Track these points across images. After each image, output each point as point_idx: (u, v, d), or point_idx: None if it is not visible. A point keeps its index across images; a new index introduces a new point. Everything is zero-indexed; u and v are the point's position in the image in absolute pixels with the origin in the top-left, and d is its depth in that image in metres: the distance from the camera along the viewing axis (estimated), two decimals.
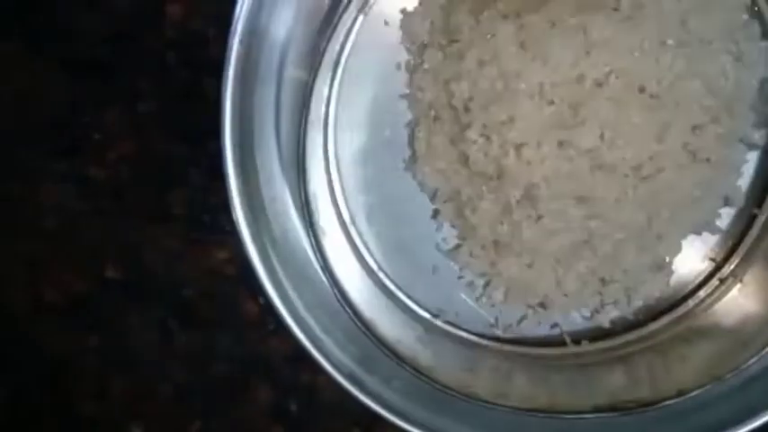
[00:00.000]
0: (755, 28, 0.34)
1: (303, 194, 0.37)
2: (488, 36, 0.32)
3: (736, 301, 0.39)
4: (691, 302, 0.40)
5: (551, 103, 0.32)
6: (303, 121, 0.36)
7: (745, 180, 0.38)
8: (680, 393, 0.35)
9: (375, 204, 0.40)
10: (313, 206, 0.38)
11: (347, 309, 0.38)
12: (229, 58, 0.34)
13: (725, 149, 0.33)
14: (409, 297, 0.40)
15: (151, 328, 0.44)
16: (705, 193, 0.34)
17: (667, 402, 0.36)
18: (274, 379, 0.44)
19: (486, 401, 0.35)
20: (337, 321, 0.39)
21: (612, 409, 0.35)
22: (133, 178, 0.43)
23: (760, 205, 0.38)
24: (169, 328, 0.44)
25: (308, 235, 0.37)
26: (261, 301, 0.43)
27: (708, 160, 0.33)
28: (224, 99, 0.34)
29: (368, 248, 0.40)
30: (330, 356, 0.37)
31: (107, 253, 0.44)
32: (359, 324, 0.38)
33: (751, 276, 0.39)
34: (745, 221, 0.39)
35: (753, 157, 0.38)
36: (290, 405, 0.44)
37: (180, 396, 0.45)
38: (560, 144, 0.32)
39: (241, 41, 0.34)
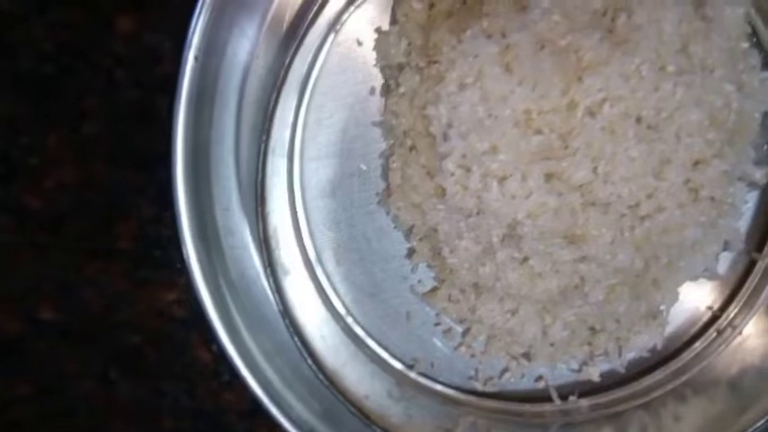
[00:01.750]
0: (756, 58, 0.32)
1: (262, 228, 0.34)
2: (471, 57, 0.30)
3: (736, 356, 0.36)
4: (686, 356, 0.37)
5: (539, 132, 0.29)
6: (263, 147, 0.33)
7: (744, 222, 0.36)
8: None
9: (344, 242, 0.37)
10: (273, 242, 0.35)
11: (308, 358, 0.34)
12: (183, 76, 0.31)
13: (729, 187, 0.31)
14: (380, 345, 0.37)
15: (90, 376, 0.40)
16: (706, 235, 0.31)
17: None
18: None
19: None
20: (299, 373, 0.35)
21: None
22: (74, 208, 0.39)
23: (760, 249, 0.36)
24: (110, 376, 0.40)
25: (267, 274, 0.34)
26: (214, 348, 0.39)
27: (711, 199, 0.30)
28: (175, 120, 0.31)
29: (335, 290, 0.37)
30: (290, 412, 0.34)
31: (42, 291, 0.40)
32: (320, 376, 0.34)
33: (751, 328, 0.36)
34: (744, 267, 0.37)
35: (752, 198, 0.36)
36: None
37: None
38: (548, 177, 0.29)
39: (197, 57, 0.31)
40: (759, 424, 0.33)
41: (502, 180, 0.29)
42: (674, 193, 0.29)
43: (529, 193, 0.29)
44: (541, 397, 0.37)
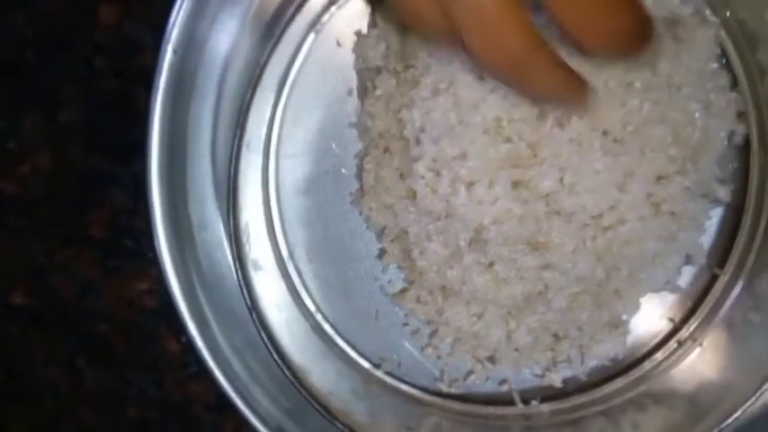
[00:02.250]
0: (725, 78, 0.33)
1: (233, 222, 0.34)
2: (445, 63, 0.30)
3: (695, 367, 0.37)
4: (647, 365, 0.38)
5: (508, 140, 0.30)
6: (237, 141, 0.33)
7: (707, 238, 0.36)
8: None
9: (316, 240, 0.37)
10: (244, 237, 0.35)
11: (275, 354, 0.34)
12: (161, 68, 0.31)
13: (689, 203, 0.31)
14: (348, 343, 0.37)
15: (58, 363, 0.40)
16: (667, 248, 0.32)
17: None
18: (194, 429, 0.40)
19: None
20: (267, 368, 0.35)
21: None
22: (48, 194, 0.39)
23: (722, 265, 0.37)
24: (77, 364, 0.40)
25: (236, 268, 0.34)
26: (183, 340, 0.39)
27: (672, 213, 0.31)
28: (152, 111, 0.31)
29: (306, 288, 0.37)
30: (256, 407, 0.34)
31: (13, 276, 0.40)
32: (287, 372, 0.34)
33: (711, 340, 0.37)
34: (705, 281, 0.37)
35: (716, 215, 0.37)
36: None
37: None
38: (515, 185, 0.30)
39: (175, 51, 0.31)
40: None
41: (470, 185, 0.30)
42: (636, 206, 0.30)
43: (495, 199, 0.30)
44: (505, 400, 0.37)
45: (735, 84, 0.34)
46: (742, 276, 0.36)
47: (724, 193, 0.35)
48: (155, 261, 0.33)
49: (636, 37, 0.27)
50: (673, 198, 0.30)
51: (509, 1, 0.24)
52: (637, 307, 0.35)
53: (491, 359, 0.37)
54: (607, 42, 0.26)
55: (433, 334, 0.37)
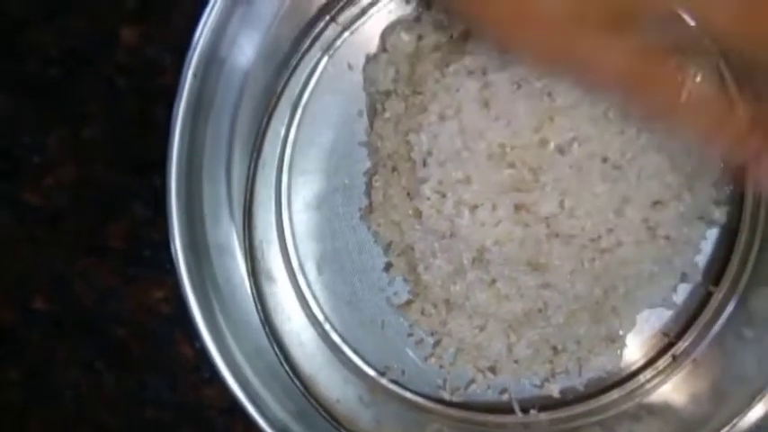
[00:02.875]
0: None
1: (248, 236, 0.35)
2: (452, 91, 0.31)
3: (688, 381, 0.38)
4: (642, 378, 0.39)
5: (511, 165, 0.31)
6: (253, 161, 0.34)
7: (702, 257, 0.38)
8: None
9: (326, 253, 0.39)
10: (259, 252, 0.36)
11: (284, 363, 0.36)
12: (182, 90, 0.32)
13: (684, 227, 0.33)
14: (355, 352, 0.39)
15: (77, 366, 0.42)
16: (662, 269, 0.33)
17: None
18: (206, 430, 0.41)
19: None
20: (277, 375, 0.37)
21: None
22: (71, 206, 0.41)
23: (717, 283, 0.38)
24: (96, 367, 0.42)
25: (250, 282, 0.35)
26: (197, 345, 0.41)
27: (667, 238, 0.32)
28: (173, 130, 0.33)
29: (315, 298, 0.39)
30: (266, 411, 0.35)
31: (37, 283, 0.41)
32: (294, 378, 0.36)
33: (704, 355, 0.38)
34: (700, 298, 0.38)
35: (711, 234, 0.38)
36: None
37: None
38: (517, 208, 0.31)
39: (195, 74, 0.33)
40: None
41: (473, 208, 0.31)
42: (633, 230, 0.31)
43: (498, 222, 0.31)
44: (504, 409, 0.39)
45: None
46: (736, 294, 0.37)
47: (720, 214, 0.36)
48: (171, 271, 0.35)
49: None
50: (668, 222, 0.32)
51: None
52: (633, 323, 0.37)
53: (492, 369, 0.38)
54: None
55: (436, 344, 0.38)
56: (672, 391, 0.38)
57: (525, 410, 0.38)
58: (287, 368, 0.36)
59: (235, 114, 0.35)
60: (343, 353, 0.39)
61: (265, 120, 0.35)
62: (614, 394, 0.39)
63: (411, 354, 0.39)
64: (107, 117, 0.40)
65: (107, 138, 0.40)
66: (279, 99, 0.35)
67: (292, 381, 0.36)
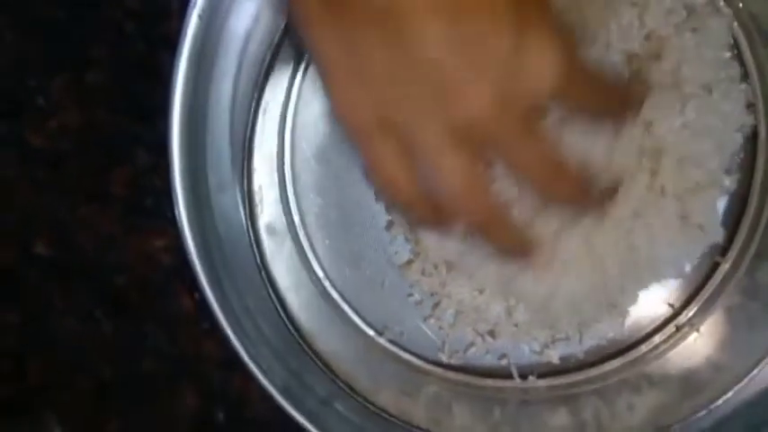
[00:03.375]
0: (735, 69, 0.33)
1: (247, 184, 0.35)
2: None
3: (690, 352, 0.38)
4: (644, 347, 0.38)
5: None
6: (254, 104, 0.34)
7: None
8: None
9: (328, 207, 0.38)
10: (257, 198, 0.36)
11: (282, 315, 0.35)
12: (185, 32, 0.32)
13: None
14: (354, 310, 0.38)
15: (76, 312, 0.42)
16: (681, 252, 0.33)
17: None
18: (204, 384, 0.41)
19: (423, 430, 0.33)
20: (276, 329, 0.37)
21: None
22: (74, 151, 0.40)
23: (724, 253, 0.37)
24: (95, 315, 0.42)
25: (249, 229, 0.35)
26: (196, 297, 0.41)
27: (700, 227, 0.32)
28: (176, 73, 0.32)
29: (315, 254, 0.38)
30: (264, 366, 0.35)
31: (38, 227, 0.41)
32: (293, 332, 0.36)
33: (708, 326, 0.38)
34: (707, 269, 0.38)
35: (720, 204, 0.37)
36: (217, 415, 0.42)
37: (99, 390, 0.42)
38: None
39: (200, 16, 0.32)
40: (703, 412, 0.34)
41: None
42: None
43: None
44: (503, 374, 0.38)
45: (745, 76, 0.35)
46: (743, 265, 0.37)
47: (730, 182, 0.35)
48: (173, 221, 0.34)
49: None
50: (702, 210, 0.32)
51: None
52: (635, 299, 0.36)
53: (491, 333, 0.38)
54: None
55: (435, 306, 0.38)
56: (674, 361, 0.38)
57: (524, 377, 0.38)
58: (286, 321, 0.36)
59: (240, 60, 0.35)
60: (341, 310, 0.38)
61: (268, 65, 0.34)
62: (615, 363, 0.38)
63: (410, 314, 0.38)
64: (113, 62, 0.39)
65: (112, 83, 0.39)
66: (282, 44, 0.34)
67: (291, 334, 0.36)
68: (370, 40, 0.23)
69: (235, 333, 0.35)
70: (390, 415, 0.34)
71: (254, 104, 0.35)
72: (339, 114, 0.26)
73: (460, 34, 0.22)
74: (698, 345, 0.37)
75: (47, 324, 0.42)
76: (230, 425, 0.41)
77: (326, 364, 0.37)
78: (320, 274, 0.38)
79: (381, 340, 0.38)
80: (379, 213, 0.38)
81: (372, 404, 0.36)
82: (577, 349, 0.38)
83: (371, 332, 0.38)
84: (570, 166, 0.28)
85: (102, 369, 0.42)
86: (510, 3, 0.22)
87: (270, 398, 0.34)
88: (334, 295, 0.38)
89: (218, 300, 0.35)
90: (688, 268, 0.37)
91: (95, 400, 0.42)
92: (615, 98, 0.29)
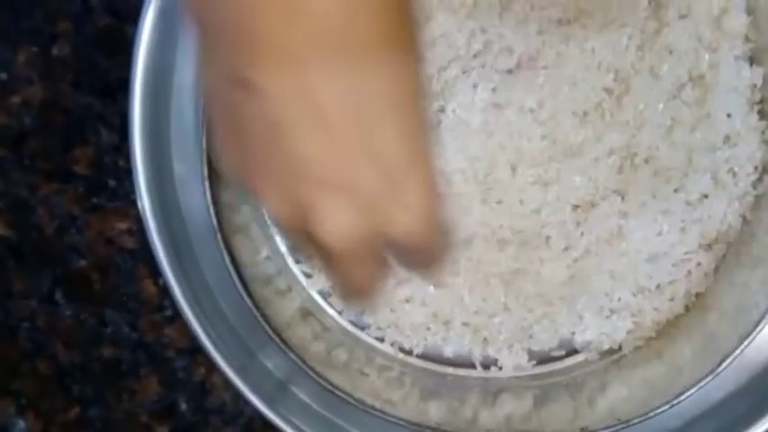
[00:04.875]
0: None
1: (207, 161, 0.34)
2: None
3: (655, 352, 0.37)
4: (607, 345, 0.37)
5: None
6: None
7: None
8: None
9: None
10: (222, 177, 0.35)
11: (241, 289, 0.35)
12: (148, 4, 0.32)
13: None
14: (314, 288, 0.38)
15: (35, 296, 0.41)
16: None
17: None
18: (166, 372, 0.41)
19: (373, 408, 0.33)
20: (237, 308, 0.36)
21: None
22: (36, 128, 0.40)
23: None
24: (55, 298, 0.41)
25: (207, 198, 0.34)
26: (160, 282, 0.40)
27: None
28: (137, 45, 0.32)
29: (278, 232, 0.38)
30: (222, 347, 0.34)
31: None
32: (251, 306, 0.35)
33: (673, 329, 0.37)
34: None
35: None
36: (179, 403, 0.41)
37: (59, 377, 0.41)
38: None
39: None
40: (662, 409, 0.34)
41: None
42: None
43: None
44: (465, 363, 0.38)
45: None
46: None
47: None
48: (136, 203, 0.34)
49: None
50: None
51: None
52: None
53: (447, 323, 0.37)
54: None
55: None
56: (646, 356, 0.37)
57: (486, 366, 0.38)
58: (244, 296, 0.35)
59: None
60: (302, 286, 0.38)
61: None
62: (579, 357, 0.38)
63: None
64: (77, 36, 0.39)
65: (76, 56, 0.39)
66: None
67: (249, 310, 0.35)
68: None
69: (197, 319, 0.34)
70: (341, 390, 0.33)
71: None
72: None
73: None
74: (661, 344, 0.37)
75: (5, 308, 0.41)
76: (192, 414, 0.41)
77: (283, 341, 0.36)
78: (282, 249, 0.38)
79: (340, 320, 0.38)
80: None
81: (323, 378, 0.35)
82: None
83: (333, 312, 0.38)
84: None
85: (61, 356, 0.41)
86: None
87: (232, 386, 0.33)
88: (295, 271, 0.38)
89: (180, 285, 0.34)
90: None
91: (55, 387, 0.41)
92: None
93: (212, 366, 0.34)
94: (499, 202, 0.35)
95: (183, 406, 0.41)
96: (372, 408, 0.33)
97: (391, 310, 0.37)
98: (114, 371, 0.41)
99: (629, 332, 0.37)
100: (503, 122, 0.34)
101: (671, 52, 0.34)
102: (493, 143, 0.35)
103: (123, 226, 0.40)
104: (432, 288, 0.36)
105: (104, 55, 0.39)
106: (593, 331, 0.37)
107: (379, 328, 0.37)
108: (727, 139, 0.35)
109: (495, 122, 0.34)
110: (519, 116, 0.34)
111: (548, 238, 0.35)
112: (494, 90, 0.34)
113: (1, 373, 0.41)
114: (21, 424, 0.41)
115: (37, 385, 0.41)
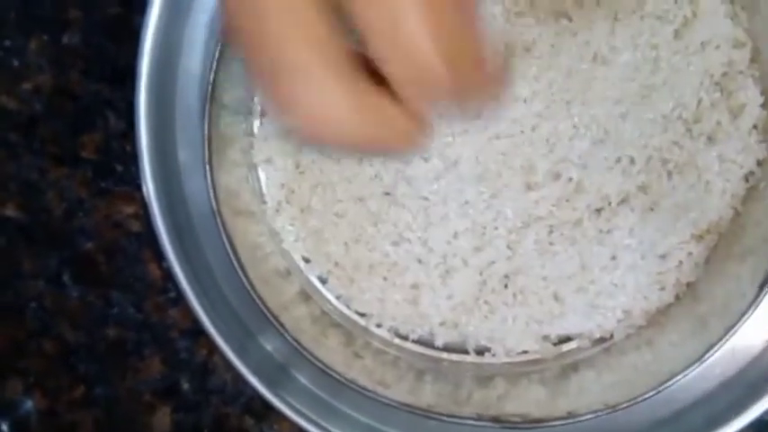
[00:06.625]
0: None
1: (207, 146, 0.35)
2: None
3: (645, 340, 0.38)
4: (598, 334, 0.38)
5: None
6: (218, 53, 0.34)
7: None
8: (570, 415, 0.34)
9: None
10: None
11: (240, 273, 0.35)
12: None
13: None
14: (314, 274, 0.39)
15: (43, 277, 0.42)
16: None
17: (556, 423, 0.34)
18: (169, 352, 0.42)
19: (366, 389, 0.33)
20: (238, 292, 0.36)
21: (495, 420, 0.34)
22: (46, 114, 0.41)
23: None
24: (62, 279, 0.42)
25: (208, 184, 0.35)
26: (164, 265, 0.41)
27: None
28: (144, 33, 0.32)
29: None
30: (223, 329, 0.35)
31: (7, 189, 0.41)
32: (251, 292, 0.35)
33: (661, 318, 0.38)
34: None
35: None
36: (181, 383, 0.42)
37: (65, 356, 0.42)
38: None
39: None
40: (649, 395, 0.34)
41: None
42: None
43: None
44: (460, 349, 0.38)
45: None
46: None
47: None
48: (141, 186, 0.35)
49: None
50: None
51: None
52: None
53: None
54: None
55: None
56: (636, 343, 0.38)
57: (480, 353, 0.38)
58: (243, 281, 0.36)
59: (212, 21, 0.35)
60: (301, 272, 0.39)
61: None
62: (572, 344, 0.39)
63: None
64: (87, 24, 0.40)
65: (86, 44, 0.40)
66: None
67: (249, 294, 0.36)
68: None
69: (199, 301, 0.35)
70: (336, 372, 0.34)
71: (217, 53, 0.35)
72: None
73: None
74: (651, 332, 0.38)
75: (14, 288, 0.42)
76: (194, 394, 0.42)
77: (281, 324, 0.36)
78: (282, 236, 0.39)
79: (335, 301, 0.39)
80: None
81: (318, 359, 0.35)
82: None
83: (330, 296, 0.38)
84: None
85: (67, 335, 0.42)
86: None
87: (233, 368, 0.34)
88: (296, 257, 0.39)
89: (183, 269, 0.35)
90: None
91: (61, 366, 0.42)
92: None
93: (214, 348, 0.35)
94: (493, 196, 0.36)
95: (185, 386, 0.42)
96: (365, 388, 0.33)
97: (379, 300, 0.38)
98: (119, 351, 0.42)
99: (619, 321, 0.37)
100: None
101: (669, 44, 0.35)
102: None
103: (130, 210, 0.41)
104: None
105: (113, 43, 0.40)
106: (585, 320, 0.37)
107: (374, 316, 0.38)
108: (719, 131, 0.35)
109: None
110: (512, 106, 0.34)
111: (537, 230, 0.36)
112: None
113: (9, 352, 0.42)
114: (28, 402, 0.42)
115: (43, 364, 0.42)
